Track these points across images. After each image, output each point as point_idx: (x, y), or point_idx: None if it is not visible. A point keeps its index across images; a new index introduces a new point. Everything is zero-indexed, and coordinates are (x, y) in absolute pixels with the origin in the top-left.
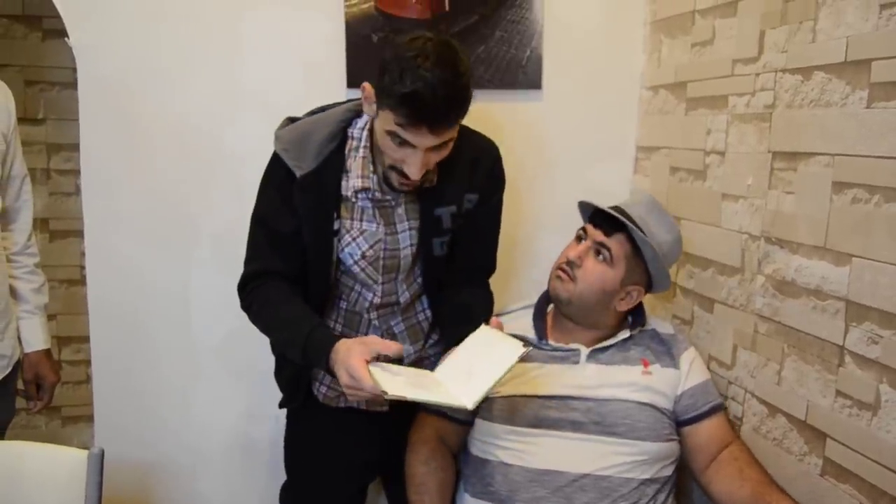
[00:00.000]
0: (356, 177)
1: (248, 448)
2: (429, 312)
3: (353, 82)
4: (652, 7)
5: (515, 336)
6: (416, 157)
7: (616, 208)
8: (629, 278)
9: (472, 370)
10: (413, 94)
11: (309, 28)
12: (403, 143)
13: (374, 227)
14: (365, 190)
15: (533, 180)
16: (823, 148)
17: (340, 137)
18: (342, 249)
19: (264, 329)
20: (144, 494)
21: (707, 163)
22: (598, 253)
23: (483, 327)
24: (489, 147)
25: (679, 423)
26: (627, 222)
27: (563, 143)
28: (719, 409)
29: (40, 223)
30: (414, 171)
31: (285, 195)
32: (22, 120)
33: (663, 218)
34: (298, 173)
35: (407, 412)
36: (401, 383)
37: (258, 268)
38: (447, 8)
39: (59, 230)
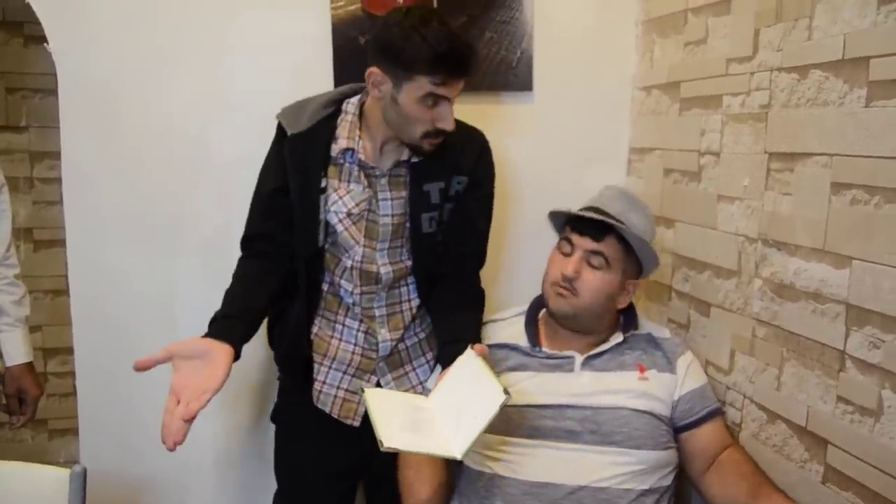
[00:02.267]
0: (343, 138)
1: (238, 460)
2: (415, 303)
3: (340, 84)
4: (644, 6)
5: (507, 345)
6: (449, 108)
7: (594, 209)
8: (626, 275)
9: (460, 409)
10: (446, 54)
11: (295, 30)
12: (437, 100)
13: (360, 187)
14: (350, 150)
15: (524, 183)
16: (821, 148)
17: (335, 107)
18: (328, 209)
19: None
20: None
21: (702, 164)
22: (591, 261)
23: (470, 353)
24: (477, 134)
25: (676, 429)
26: (616, 224)
27: (555, 146)
28: (717, 413)
29: (24, 233)
30: (450, 121)
31: (278, 155)
32: (4, 128)
33: (636, 204)
34: (290, 132)
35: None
36: (397, 425)
37: (247, 232)
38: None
39: (44, 240)
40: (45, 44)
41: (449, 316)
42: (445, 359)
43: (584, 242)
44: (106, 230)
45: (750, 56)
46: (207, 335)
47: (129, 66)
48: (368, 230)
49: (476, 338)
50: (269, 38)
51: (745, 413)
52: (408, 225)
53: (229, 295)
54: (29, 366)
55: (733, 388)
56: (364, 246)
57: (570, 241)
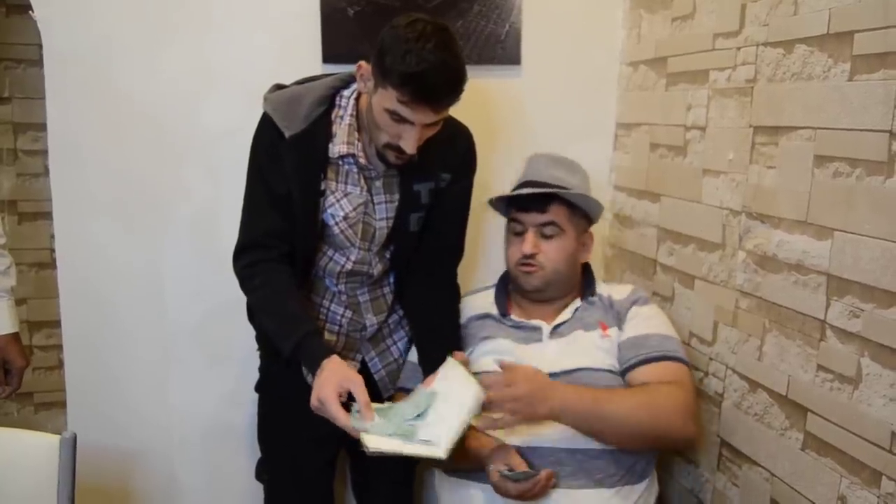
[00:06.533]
0: (341, 142)
1: (225, 432)
2: (394, 287)
3: (328, 57)
4: None
5: (480, 315)
6: (413, 132)
7: (530, 183)
8: (579, 231)
9: (442, 413)
10: (417, 75)
11: (283, 1)
12: (401, 120)
13: (357, 190)
14: (350, 155)
15: (512, 158)
16: (805, 122)
17: (328, 103)
18: (325, 210)
19: (260, 310)
20: (121, 481)
21: (687, 138)
22: (544, 231)
23: (451, 361)
24: (464, 130)
25: (622, 375)
26: (557, 191)
27: (542, 120)
28: (657, 359)
29: (8, 205)
30: (410, 145)
31: (276, 156)
32: None
33: (564, 163)
34: (287, 134)
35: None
36: (379, 428)
37: (266, 227)
38: None
39: (28, 212)
40: (31, 12)
41: (428, 321)
42: (428, 366)
43: (531, 218)
44: (93, 203)
45: (736, 31)
46: (325, 356)
47: (116, 36)
48: (364, 232)
49: (456, 344)
50: (256, 11)
51: (727, 383)
52: (394, 224)
53: (296, 311)
54: (14, 336)
55: (716, 359)
56: (359, 248)
57: (518, 220)
